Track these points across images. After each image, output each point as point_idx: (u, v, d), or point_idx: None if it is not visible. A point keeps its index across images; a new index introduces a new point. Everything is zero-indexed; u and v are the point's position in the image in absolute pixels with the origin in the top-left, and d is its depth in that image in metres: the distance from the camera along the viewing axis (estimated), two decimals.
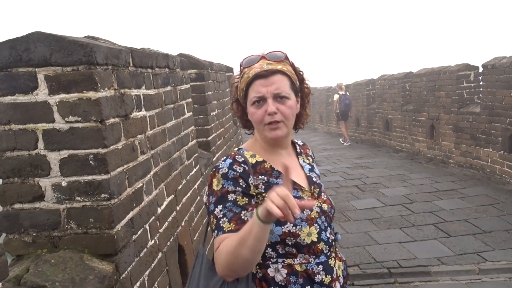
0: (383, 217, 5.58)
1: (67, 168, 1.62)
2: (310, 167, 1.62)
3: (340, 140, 13.12)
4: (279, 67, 1.44)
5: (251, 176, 1.41)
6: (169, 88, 2.66)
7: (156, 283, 2.11)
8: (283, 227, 1.35)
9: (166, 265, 2.28)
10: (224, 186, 1.37)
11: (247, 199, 1.37)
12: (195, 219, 3.07)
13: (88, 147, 1.61)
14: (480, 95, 7.39)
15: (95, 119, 1.60)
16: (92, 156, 1.62)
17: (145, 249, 2.00)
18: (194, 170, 3.21)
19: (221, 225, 1.33)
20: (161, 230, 2.26)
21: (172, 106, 2.71)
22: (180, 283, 2.52)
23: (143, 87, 2.16)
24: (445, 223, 5.18)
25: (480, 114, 7.21)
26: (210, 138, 4.13)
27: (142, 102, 2.13)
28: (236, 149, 1.53)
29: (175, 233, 2.53)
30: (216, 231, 1.34)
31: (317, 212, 1.43)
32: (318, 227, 1.41)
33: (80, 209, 1.64)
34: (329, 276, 1.44)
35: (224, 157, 1.46)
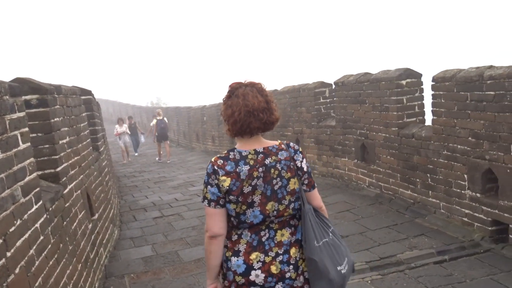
0: None
1: None
2: None
3: (156, 158, 15.05)
4: None
5: None
6: None
7: None
8: None
9: None
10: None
11: None
12: (37, 262, 2.73)
13: None
14: (335, 110, 8.09)
15: None
16: None
17: None
18: (35, 207, 2.87)
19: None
20: None
21: None
22: None
23: None
24: None
25: (336, 127, 7.88)
26: (59, 168, 3.76)
27: None
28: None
29: (4, 284, 2.20)
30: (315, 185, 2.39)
31: None
32: None
33: None
34: None
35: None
